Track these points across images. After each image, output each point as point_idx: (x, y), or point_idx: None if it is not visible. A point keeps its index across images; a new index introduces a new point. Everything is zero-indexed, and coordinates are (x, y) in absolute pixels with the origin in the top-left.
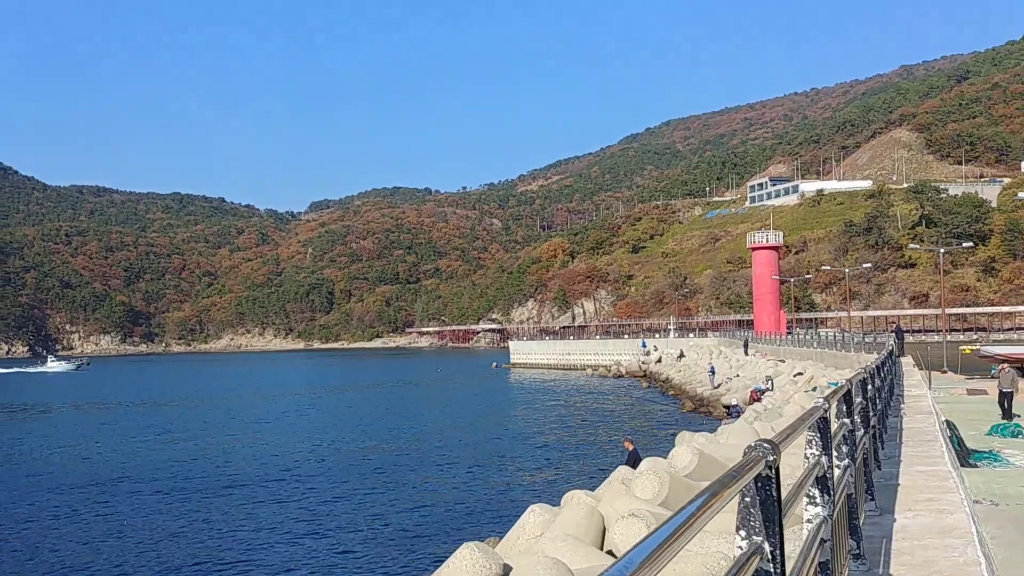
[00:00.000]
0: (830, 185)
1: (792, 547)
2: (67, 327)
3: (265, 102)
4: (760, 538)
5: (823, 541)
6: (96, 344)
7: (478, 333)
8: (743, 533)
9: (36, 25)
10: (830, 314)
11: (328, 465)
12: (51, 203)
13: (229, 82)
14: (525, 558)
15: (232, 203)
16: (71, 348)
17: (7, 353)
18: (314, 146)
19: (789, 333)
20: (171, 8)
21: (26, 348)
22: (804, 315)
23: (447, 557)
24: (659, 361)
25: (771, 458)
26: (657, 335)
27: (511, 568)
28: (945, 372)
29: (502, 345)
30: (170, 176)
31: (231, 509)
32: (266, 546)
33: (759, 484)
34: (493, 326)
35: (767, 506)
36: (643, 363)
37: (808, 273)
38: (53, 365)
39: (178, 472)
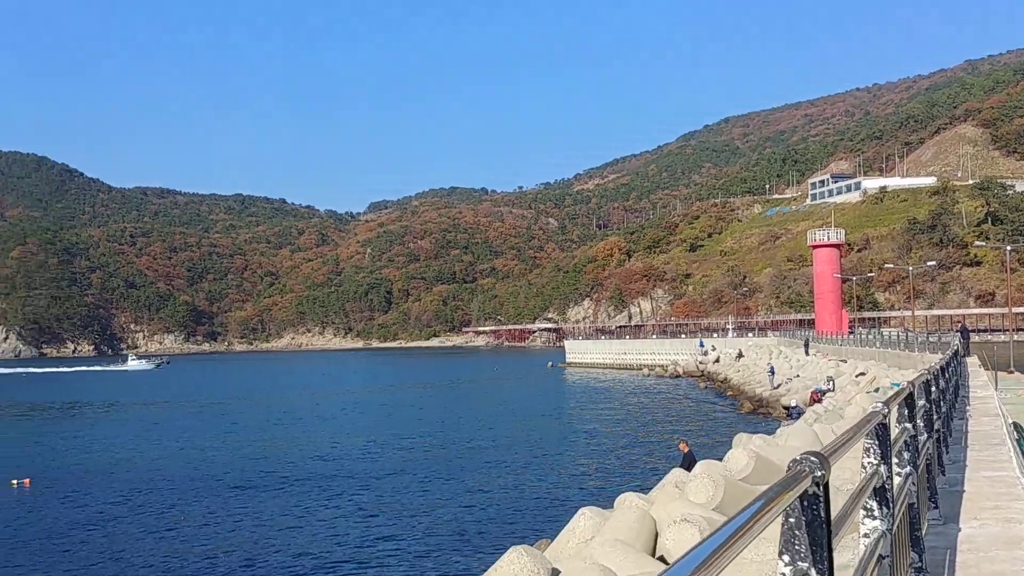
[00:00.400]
0: (893, 182)
1: (846, 557)
2: (132, 326)
3: (326, 104)
4: (806, 564)
5: (881, 558)
6: (160, 343)
7: (534, 332)
8: (786, 559)
9: (104, 32)
10: (893, 313)
11: (382, 464)
12: (116, 204)
13: (289, 87)
14: (573, 563)
15: (293, 204)
16: (135, 347)
17: (73, 352)
18: (372, 147)
19: (851, 333)
20: (246, 13)
21: (92, 347)
22: (866, 314)
23: (496, 559)
24: (717, 361)
25: (819, 474)
26: (715, 335)
27: (559, 572)
28: (1012, 373)
29: (558, 344)
30: (232, 178)
31: (285, 506)
32: (318, 542)
33: (805, 503)
34: (549, 325)
35: (814, 528)
36: (701, 363)
37: (871, 271)
38: (134, 364)
39: (238, 468)
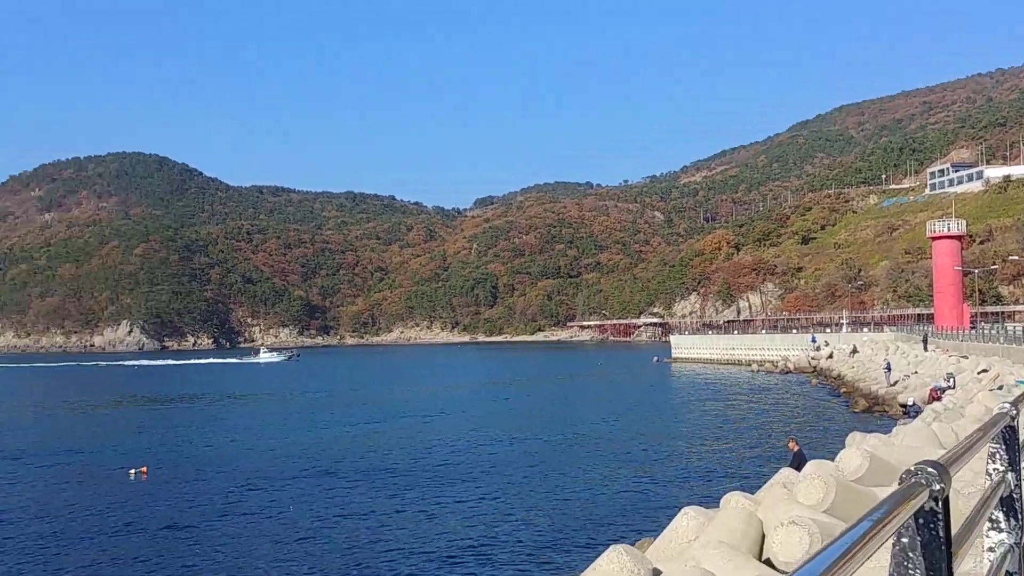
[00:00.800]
0: (1018, 171)
1: (967, 566)
2: (248, 320)
3: (435, 102)
4: None
5: (1009, 574)
6: (276, 336)
7: (639, 327)
8: None
9: (223, 36)
10: (1018, 307)
11: (485, 458)
12: (233, 203)
13: (398, 84)
14: (675, 564)
15: (402, 201)
16: (252, 340)
17: (193, 345)
18: (479, 143)
19: (973, 327)
20: (355, 10)
21: (211, 340)
22: (989, 308)
23: (595, 558)
24: (830, 357)
25: (937, 487)
26: (828, 330)
27: (661, 573)
28: None
29: (663, 339)
30: (343, 175)
31: (389, 498)
32: (418, 535)
33: (920, 521)
34: (655, 320)
35: (931, 550)
36: (813, 359)
37: (994, 264)
38: (266, 356)
39: (351, 460)
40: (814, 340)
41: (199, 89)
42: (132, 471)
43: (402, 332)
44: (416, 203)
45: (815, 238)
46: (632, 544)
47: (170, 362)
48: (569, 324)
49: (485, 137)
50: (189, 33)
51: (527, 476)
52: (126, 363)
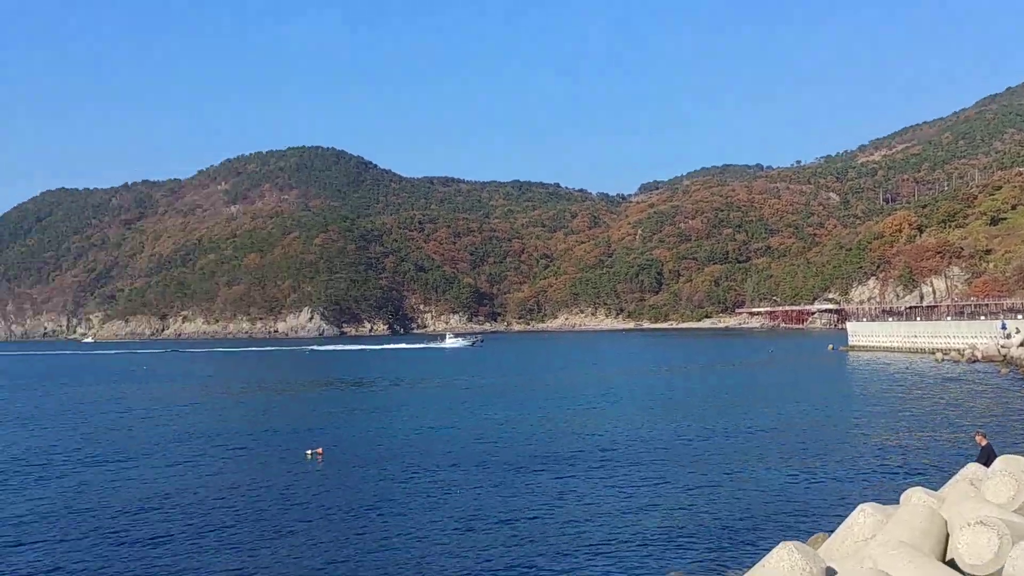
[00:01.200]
0: None
1: None
2: (421, 307)
3: (595, 88)
4: None
5: None
6: (446, 323)
7: (813, 314)
8: None
9: (398, 35)
10: None
11: (652, 445)
12: (406, 193)
13: (561, 71)
14: (850, 563)
15: (567, 188)
16: (425, 327)
17: (370, 331)
18: (643, 129)
19: None
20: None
21: (386, 326)
22: None
23: (764, 555)
24: (1022, 345)
25: None
26: (1020, 316)
27: (835, 573)
28: None
29: (839, 327)
30: (510, 165)
31: (549, 484)
32: (584, 520)
33: None
34: (829, 306)
35: None
36: (1003, 347)
37: None
38: (451, 342)
39: (520, 447)
40: (1004, 327)
41: (374, 85)
42: (309, 452)
43: (567, 318)
44: (580, 190)
45: (1005, 219)
46: (804, 541)
47: (353, 347)
48: (737, 311)
49: (650, 122)
50: (361, 37)
51: (693, 465)
52: (315, 347)
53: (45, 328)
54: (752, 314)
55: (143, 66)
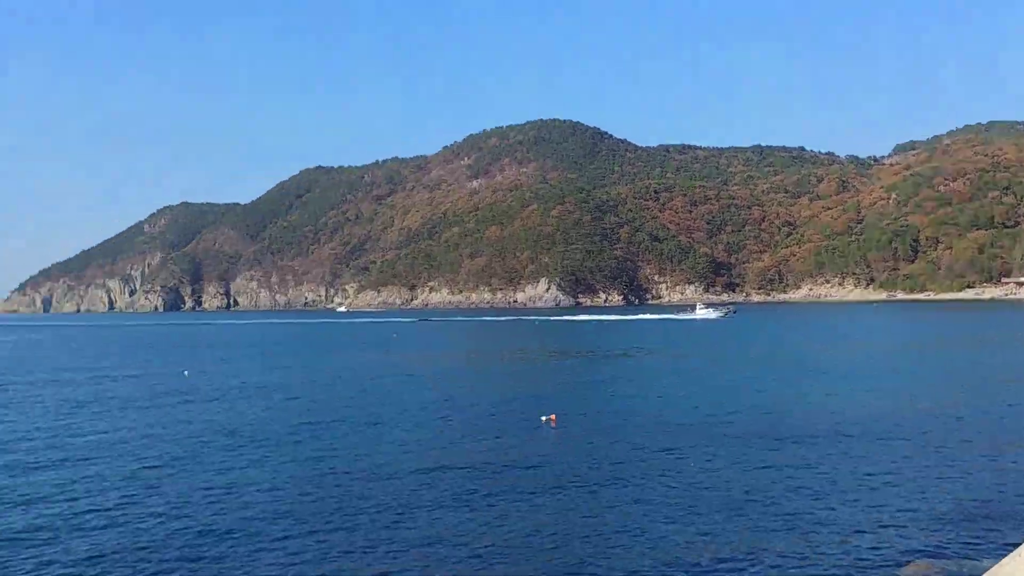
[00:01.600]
0: None
1: None
2: (656, 278)
3: (834, 42)
4: None
5: None
6: (682, 293)
7: None
8: None
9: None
10: None
11: (903, 424)
12: (641, 163)
13: (809, 23)
14: None
15: (811, 151)
16: (659, 298)
17: (604, 302)
18: (899, 85)
19: None
20: None
21: (620, 297)
22: None
23: (1009, 551)
24: None
25: None
26: None
27: None
28: None
29: None
30: (750, 130)
31: (796, 459)
32: (825, 495)
33: None
34: None
35: None
36: None
37: None
38: (702, 312)
39: (744, 420)
40: None
41: (613, 53)
42: (543, 417)
43: (811, 289)
44: (828, 153)
45: None
46: None
47: (605, 317)
48: (1004, 280)
49: (902, 78)
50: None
51: (949, 450)
52: (560, 318)
53: (306, 298)
54: (1020, 284)
55: (398, 52)
